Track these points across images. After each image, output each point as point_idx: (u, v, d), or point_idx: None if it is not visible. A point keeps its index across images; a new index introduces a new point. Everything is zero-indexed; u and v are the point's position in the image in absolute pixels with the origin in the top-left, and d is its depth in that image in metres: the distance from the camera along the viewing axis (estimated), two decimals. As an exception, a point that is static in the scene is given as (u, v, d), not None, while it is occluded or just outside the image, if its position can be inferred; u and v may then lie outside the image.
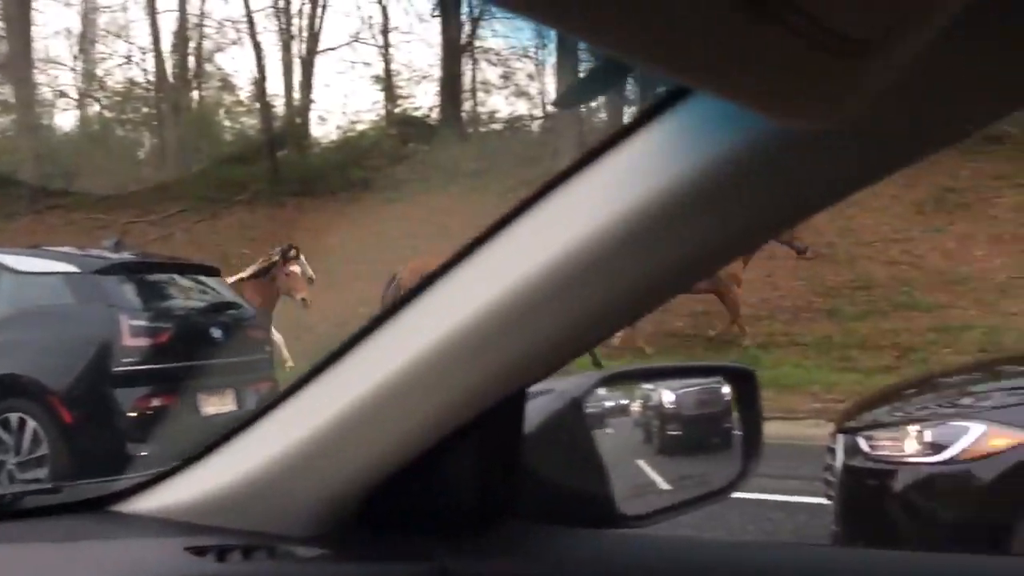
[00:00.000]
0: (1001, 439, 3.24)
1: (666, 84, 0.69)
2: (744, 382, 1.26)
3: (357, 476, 0.86)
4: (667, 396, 1.33)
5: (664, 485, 1.22)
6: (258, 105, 19.97)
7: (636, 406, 1.30)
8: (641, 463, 1.25)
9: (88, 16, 22.83)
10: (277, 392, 5.17)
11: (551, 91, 20.35)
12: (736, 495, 1.21)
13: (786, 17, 0.39)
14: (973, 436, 3.29)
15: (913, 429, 3.46)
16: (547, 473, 1.01)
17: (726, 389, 1.35)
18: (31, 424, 5.43)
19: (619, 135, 0.70)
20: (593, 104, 20.38)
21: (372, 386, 0.81)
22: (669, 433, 1.32)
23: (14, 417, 5.47)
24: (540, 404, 1.00)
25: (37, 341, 5.67)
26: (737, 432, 1.28)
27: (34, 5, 20.23)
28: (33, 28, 20.05)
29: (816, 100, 0.46)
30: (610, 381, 1.17)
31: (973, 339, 8.82)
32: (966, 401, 3.52)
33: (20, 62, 19.18)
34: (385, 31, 20.14)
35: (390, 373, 0.80)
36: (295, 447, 0.86)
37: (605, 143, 0.71)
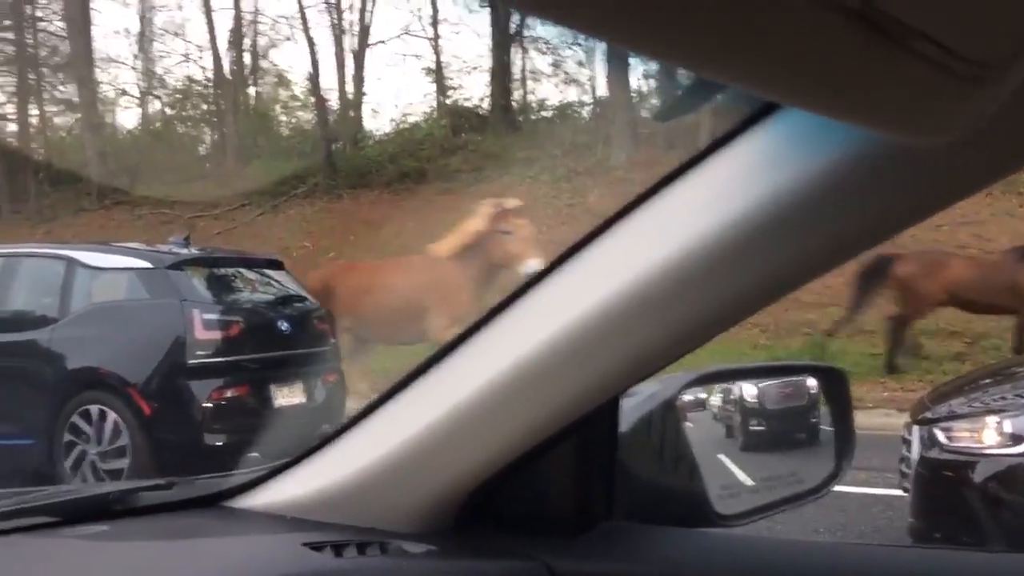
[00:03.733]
0: (1086, 430, 3.16)
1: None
2: (835, 381, 1.26)
3: (462, 475, 0.88)
4: (749, 390, 1.33)
5: (748, 481, 1.22)
6: (312, 100, 20.21)
7: (716, 400, 1.30)
8: (723, 459, 1.25)
9: (146, 15, 23.36)
10: (343, 384, 5.24)
11: (601, 78, 20.21)
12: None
13: (912, 43, 0.39)
14: (1056, 427, 3.21)
15: (992, 420, 3.39)
16: (642, 473, 1.03)
17: (811, 382, 1.34)
18: (111, 416, 5.61)
19: (717, 144, 0.70)
20: (645, 91, 20.17)
21: (479, 387, 0.82)
22: (752, 428, 1.32)
23: (95, 409, 5.65)
24: (634, 405, 1.01)
25: (114, 335, 5.84)
26: (824, 427, 1.28)
27: (93, 5, 20.78)
28: (93, 28, 20.59)
29: (932, 119, 0.46)
30: (702, 381, 1.18)
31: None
32: (1047, 391, 3.43)
33: (82, 62, 19.68)
34: (435, 23, 20.19)
35: (497, 375, 0.81)
36: (403, 446, 0.88)
37: (702, 152, 0.71)
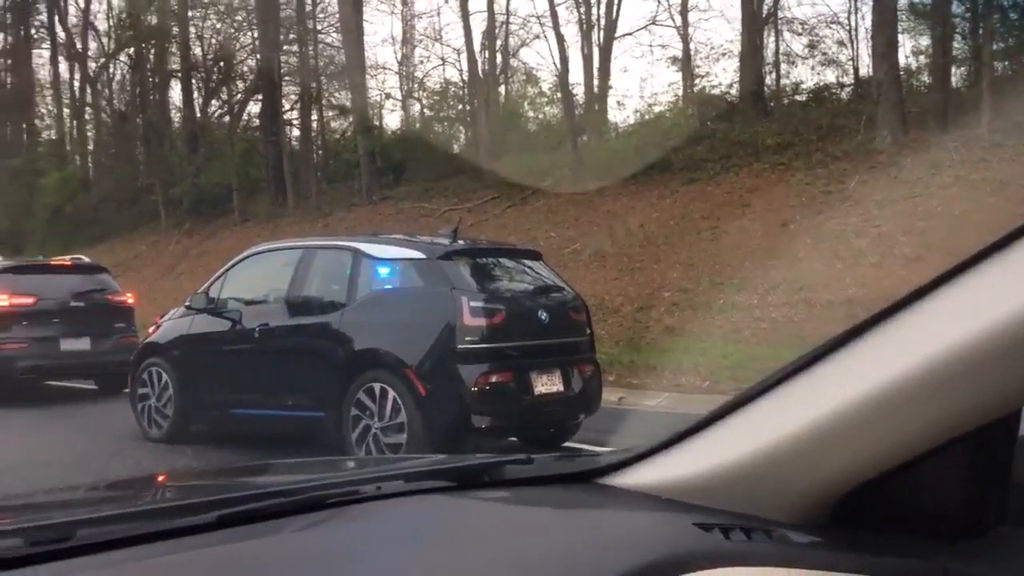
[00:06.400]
0: None
1: None
2: None
3: (850, 471, 0.86)
4: None
5: None
6: (559, 95, 20.67)
7: None
8: None
9: (408, 22, 25.14)
10: (599, 375, 5.30)
11: (864, 56, 18.87)
12: None
13: None
14: None
15: None
16: None
17: None
18: (391, 394, 6.07)
19: None
20: (914, 68, 18.55)
21: (881, 383, 0.79)
22: None
23: (377, 387, 6.14)
24: None
25: (393, 320, 6.31)
26: None
27: (366, 17, 22.60)
28: (365, 38, 22.41)
29: None
30: None
31: None
32: None
33: (355, 69, 21.49)
34: (684, 10, 19.86)
35: (902, 373, 0.77)
36: (789, 436, 0.86)
37: None
